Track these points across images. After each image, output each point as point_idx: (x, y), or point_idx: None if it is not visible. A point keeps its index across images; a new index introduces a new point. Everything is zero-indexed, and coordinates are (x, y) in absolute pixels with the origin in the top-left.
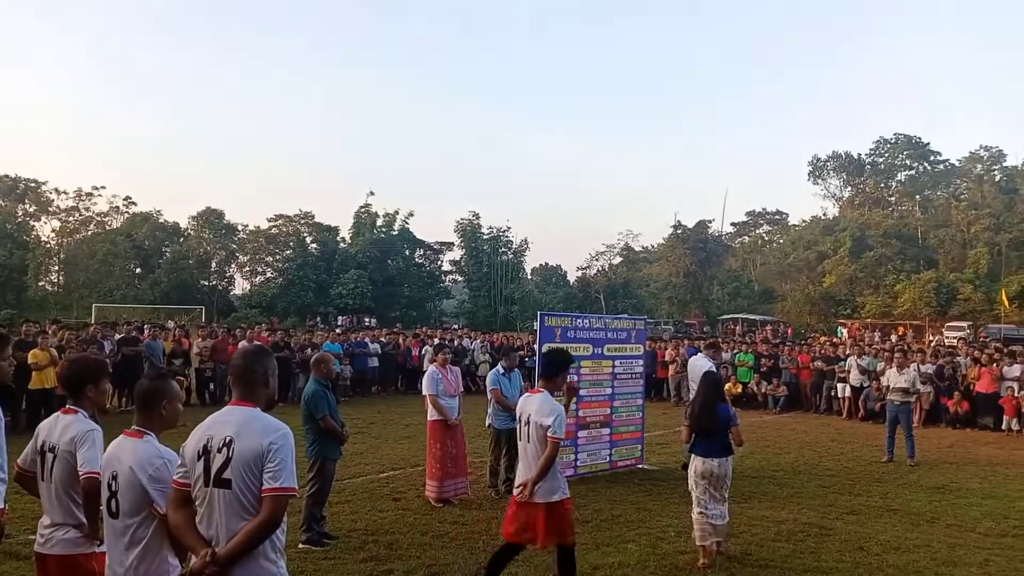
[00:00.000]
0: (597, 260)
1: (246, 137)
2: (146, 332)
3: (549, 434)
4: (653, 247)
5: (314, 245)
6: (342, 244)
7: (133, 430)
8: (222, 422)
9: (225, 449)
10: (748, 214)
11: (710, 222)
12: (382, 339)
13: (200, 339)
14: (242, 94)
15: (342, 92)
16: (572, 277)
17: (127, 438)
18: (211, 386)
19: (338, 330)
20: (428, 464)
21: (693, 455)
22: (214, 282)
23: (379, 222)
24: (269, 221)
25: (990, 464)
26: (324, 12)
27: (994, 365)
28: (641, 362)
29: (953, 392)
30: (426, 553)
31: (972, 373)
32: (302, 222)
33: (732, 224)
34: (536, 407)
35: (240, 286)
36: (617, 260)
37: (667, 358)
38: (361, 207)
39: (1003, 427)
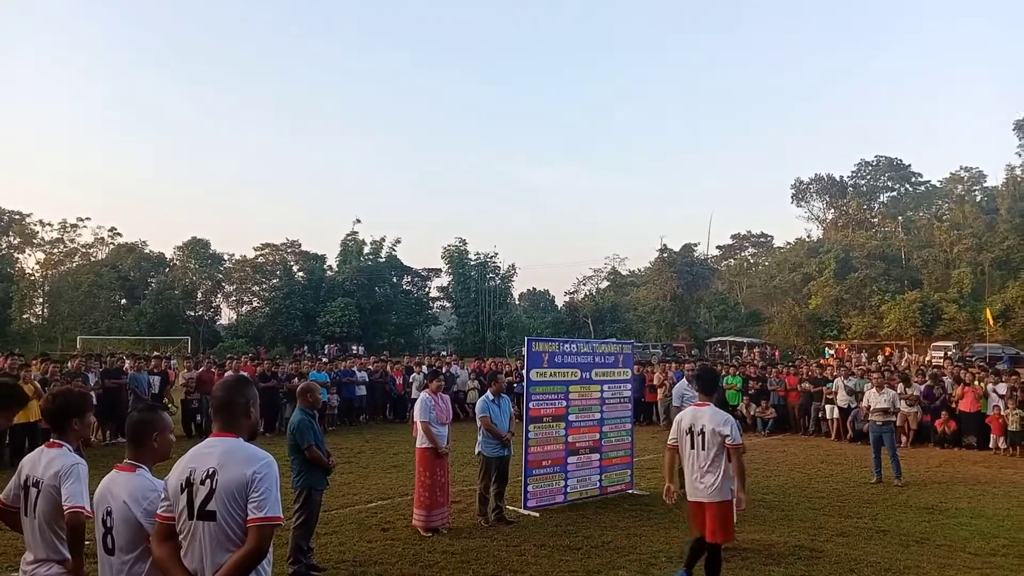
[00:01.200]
0: (584, 285)
1: (232, 166)
2: (127, 364)
3: (729, 442)
4: (640, 271)
5: (301, 273)
6: (329, 272)
7: (125, 464)
8: (204, 454)
9: (208, 481)
10: (733, 237)
11: (696, 245)
12: (369, 367)
13: (186, 370)
14: (227, 123)
15: (328, 119)
16: (560, 302)
17: (119, 472)
18: (198, 417)
19: (325, 359)
20: (417, 492)
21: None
22: (200, 312)
23: (366, 249)
24: (255, 250)
25: (978, 483)
26: (311, 37)
27: (976, 384)
28: (629, 386)
29: (940, 412)
30: None
31: (957, 392)
32: (288, 251)
33: (718, 247)
34: (709, 418)
35: (226, 316)
36: (604, 284)
37: (655, 382)
38: (348, 235)
39: (990, 446)
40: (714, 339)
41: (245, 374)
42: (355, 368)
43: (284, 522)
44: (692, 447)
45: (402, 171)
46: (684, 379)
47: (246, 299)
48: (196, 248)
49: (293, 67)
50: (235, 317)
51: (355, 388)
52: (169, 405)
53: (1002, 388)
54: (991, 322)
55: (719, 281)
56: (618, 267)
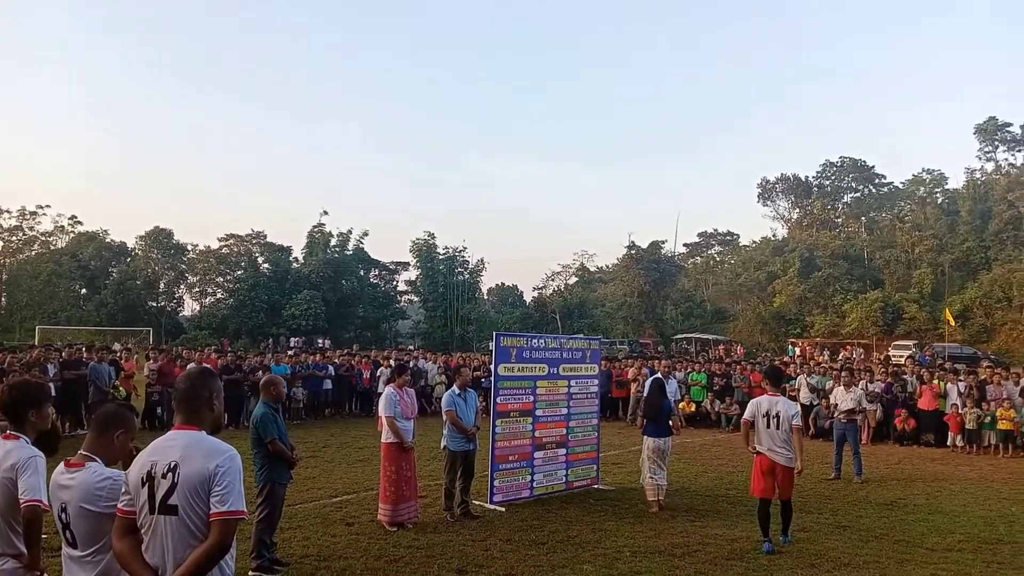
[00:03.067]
0: (553, 280)
1: (196, 155)
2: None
3: (794, 423)
4: (608, 268)
5: (266, 265)
6: (295, 264)
7: (77, 458)
8: (166, 447)
9: (170, 474)
10: (700, 235)
11: (663, 243)
12: (336, 361)
13: (149, 361)
14: (191, 111)
15: (294, 110)
16: (528, 297)
17: (68, 470)
18: (159, 410)
19: (290, 352)
20: (382, 487)
21: (645, 436)
22: (162, 303)
23: (333, 242)
24: (220, 241)
25: (936, 480)
26: (278, 26)
27: (935, 383)
28: (596, 382)
29: (900, 409)
30: None
31: (918, 391)
32: (254, 242)
33: (685, 245)
34: (784, 406)
35: (189, 307)
36: (573, 280)
37: (630, 376)
38: (314, 226)
39: (948, 443)
40: (680, 336)
41: (208, 366)
42: (321, 361)
43: (247, 516)
44: (768, 427)
45: (371, 164)
46: (659, 375)
47: (210, 290)
48: (159, 238)
49: (260, 56)
50: (198, 308)
51: (321, 382)
52: (124, 394)
53: (960, 387)
54: (951, 322)
55: (686, 278)
56: (586, 263)
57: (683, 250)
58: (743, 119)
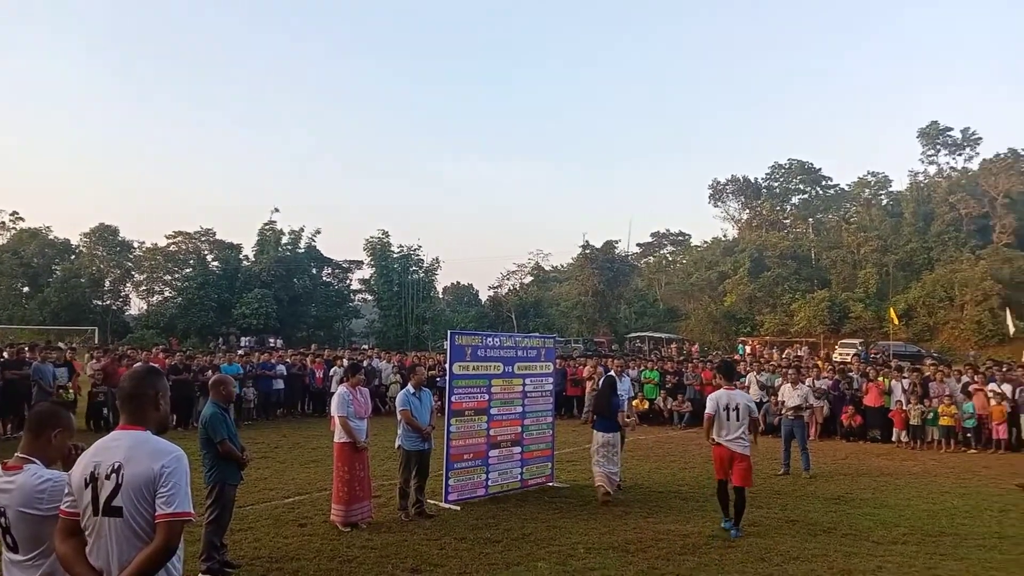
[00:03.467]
0: (508, 279)
1: (144, 150)
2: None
3: (753, 415)
4: (563, 267)
5: (215, 263)
6: (245, 262)
7: (14, 461)
8: (110, 447)
9: (114, 476)
10: (653, 235)
11: (617, 243)
12: (287, 360)
13: (93, 361)
14: (137, 106)
15: (244, 106)
16: (484, 296)
17: (6, 473)
18: (104, 411)
19: (241, 351)
20: (335, 487)
21: (595, 430)
22: (108, 302)
23: (284, 240)
24: (168, 238)
25: (882, 475)
26: (229, 19)
27: (880, 380)
28: (551, 380)
29: (847, 406)
30: None
31: (864, 388)
32: (203, 239)
33: (638, 245)
34: (742, 398)
35: (136, 306)
36: (528, 280)
37: (585, 374)
38: (265, 224)
39: (893, 439)
40: (633, 334)
41: (155, 365)
42: (273, 361)
43: (195, 518)
44: (729, 419)
45: (324, 161)
46: (611, 373)
47: (157, 289)
48: (104, 235)
49: (207, 50)
50: (145, 307)
51: (272, 382)
52: (72, 396)
53: (904, 384)
54: (895, 321)
55: (639, 278)
56: (542, 262)
57: (636, 250)
58: (695, 121)
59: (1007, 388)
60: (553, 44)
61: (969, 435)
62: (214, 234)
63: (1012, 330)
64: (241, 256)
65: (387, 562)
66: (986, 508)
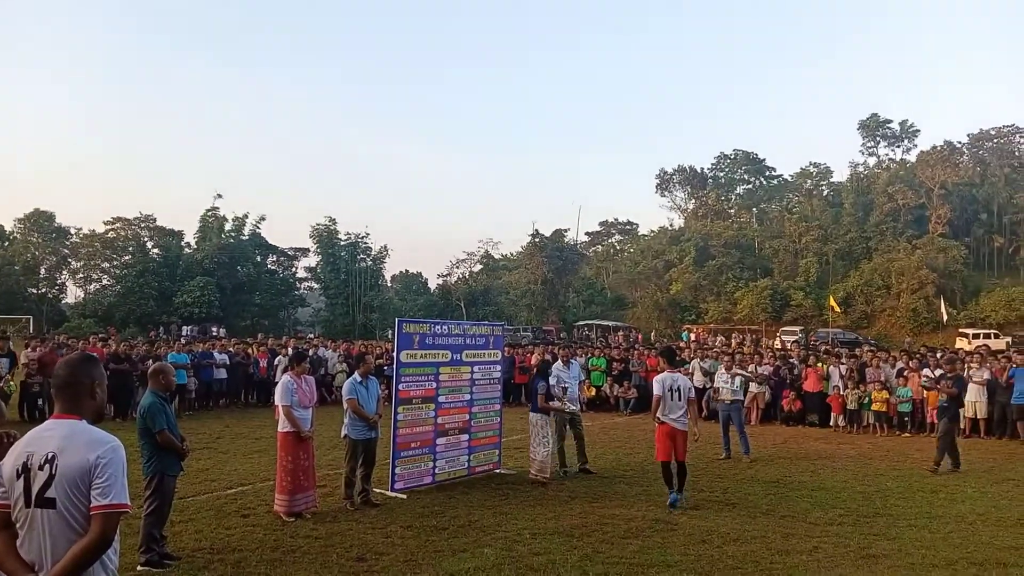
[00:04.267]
0: (458, 267)
1: (80, 134)
2: None
3: (691, 396)
4: (512, 255)
5: (156, 250)
6: (187, 249)
7: None
8: (43, 437)
9: (47, 466)
10: (601, 224)
11: (566, 231)
12: (230, 349)
13: (28, 350)
14: (75, 86)
15: (186, 90)
16: (433, 284)
17: None
18: (40, 402)
19: (182, 340)
20: (278, 477)
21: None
22: (43, 290)
23: (227, 226)
24: (106, 224)
25: (819, 458)
26: (170, 5)
27: (819, 366)
28: (499, 368)
29: (787, 391)
30: (276, 570)
31: (804, 374)
32: (143, 226)
33: (587, 234)
34: (683, 381)
35: (73, 294)
36: (477, 268)
37: (533, 363)
38: (208, 210)
39: (831, 423)
40: (582, 322)
41: (90, 352)
42: (214, 350)
43: (133, 510)
44: (673, 399)
45: (269, 147)
46: (559, 361)
47: (95, 276)
48: (39, 221)
49: (147, 32)
50: (82, 296)
51: (214, 371)
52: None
53: (842, 370)
54: (835, 308)
55: (587, 266)
56: (491, 251)
57: (585, 239)
58: (643, 111)
59: (940, 374)
60: (502, 35)
61: (906, 419)
62: (155, 220)
63: (945, 318)
64: (183, 243)
65: (332, 551)
66: (918, 489)
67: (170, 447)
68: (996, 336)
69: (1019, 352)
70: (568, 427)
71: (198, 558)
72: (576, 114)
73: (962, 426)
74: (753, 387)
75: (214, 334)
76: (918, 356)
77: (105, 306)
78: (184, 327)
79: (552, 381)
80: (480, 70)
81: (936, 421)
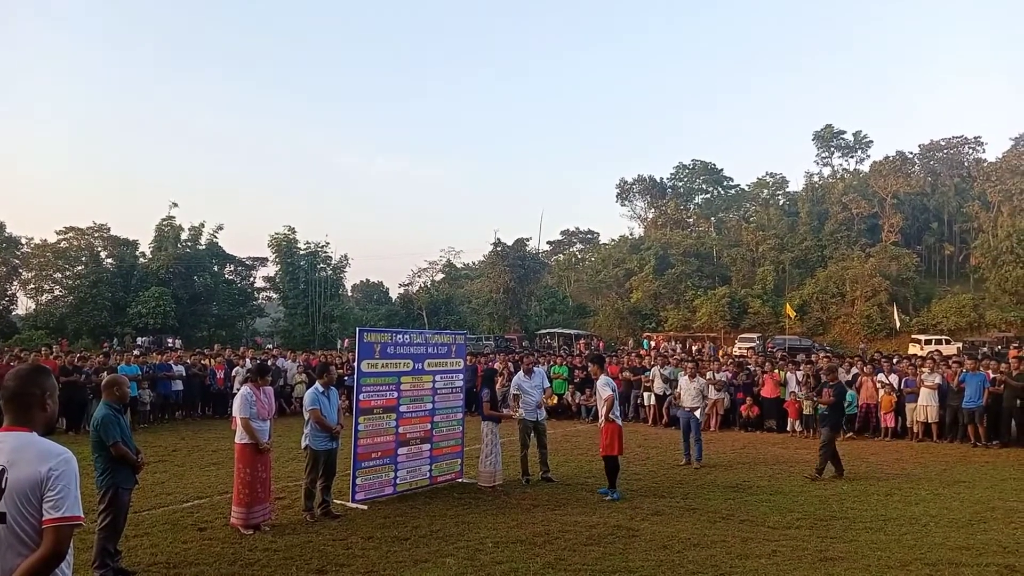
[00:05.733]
0: (419, 277)
1: (32, 142)
2: None
3: (604, 396)
4: (474, 264)
5: (110, 260)
6: (142, 259)
7: None
8: None
9: None
10: (563, 233)
11: (528, 240)
12: (187, 361)
13: None
14: (26, 94)
15: (141, 98)
16: (395, 294)
17: None
18: None
19: (136, 351)
20: (236, 490)
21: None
22: None
23: (184, 235)
24: (58, 234)
25: (777, 463)
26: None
27: (775, 372)
28: (462, 376)
29: (745, 398)
30: None
31: (761, 380)
32: (96, 235)
33: (548, 242)
34: (601, 382)
35: (24, 305)
36: (439, 277)
37: (481, 372)
38: (163, 219)
39: (788, 429)
40: (544, 331)
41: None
42: (171, 362)
43: (85, 523)
44: (617, 399)
45: (226, 155)
46: (521, 371)
47: (47, 287)
48: None
49: (99, 35)
50: (34, 307)
51: (170, 383)
52: None
53: (798, 376)
54: (791, 315)
55: (549, 275)
56: (453, 259)
57: (547, 247)
58: (604, 121)
59: (894, 379)
60: (463, 45)
61: (856, 424)
62: (108, 230)
63: (899, 324)
64: (137, 253)
65: (291, 564)
66: (873, 493)
67: (125, 460)
68: (948, 342)
69: (970, 357)
70: (533, 435)
71: (153, 572)
72: (538, 123)
73: (915, 430)
74: (712, 393)
75: (169, 345)
76: (870, 362)
77: (57, 317)
78: (139, 338)
79: (513, 390)
80: (441, 80)
81: (890, 425)
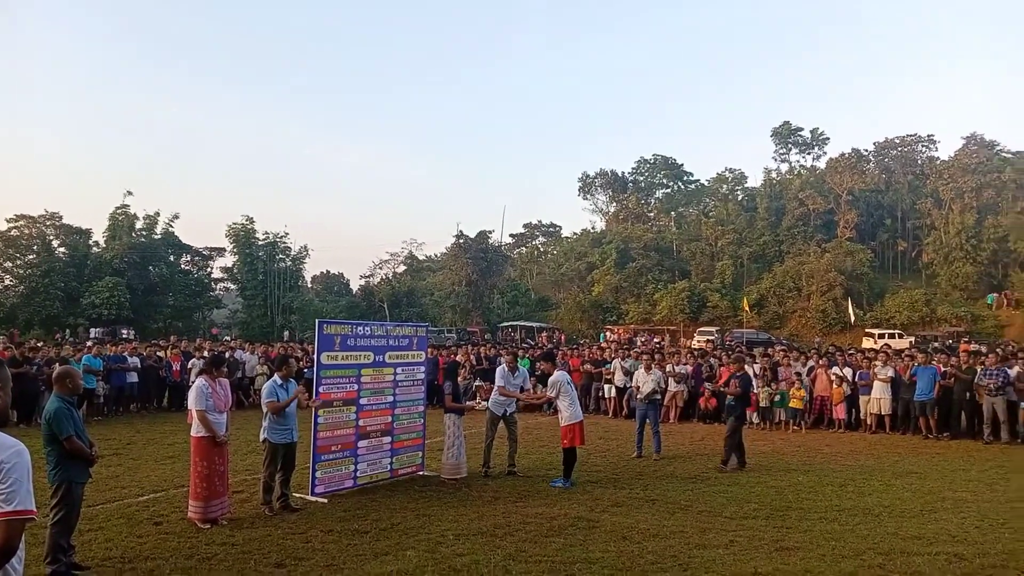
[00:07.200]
0: (381, 268)
1: None
2: None
3: (551, 393)
4: (436, 256)
5: (62, 249)
6: (95, 248)
7: None
8: None
9: None
10: (525, 226)
11: (490, 233)
12: (142, 352)
13: None
14: None
15: (95, 85)
16: (355, 286)
17: None
18: None
19: (89, 343)
20: (192, 483)
21: None
22: None
23: (139, 225)
24: (8, 222)
25: None
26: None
27: (732, 365)
28: (423, 369)
29: (704, 388)
30: None
31: (719, 373)
32: (48, 224)
33: (511, 235)
34: (554, 378)
35: None
36: (401, 269)
37: (443, 364)
38: (117, 208)
39: (746, 421)
40: (506, 323)
41: None
42: (126, 353)
43: (37, 517)
44: (572, 394)
45: (183, 144)
46: (506, 368)
47: None
48: None
49: (54, 22)
50: None
51: (125, 375)
52: None
53: (756, 369)
54: (747, 310)
55: (512, 268)
56: (415, 252)
57: (509, 240)
58: (567, 115)
59: (848, 372)
60: (427, 38)
61: (807, 415)
62: (61, 218)
63: (853, 318)
64: (91, 242)
65: (249, 558)
66: (827, 484)
67: (78, 453)
68: (900, 336)
69: (921, 351)
70: (504, 426)
71: (108, 567)
72: (501, 117)
73: (869, 422)
74: (672, 386)
75: (124, 336)
76: (825, 355)
77: (7, 308)
78: (92, 329)
79: (499, 382)
80: (404, 71)
81: (842, 417)
